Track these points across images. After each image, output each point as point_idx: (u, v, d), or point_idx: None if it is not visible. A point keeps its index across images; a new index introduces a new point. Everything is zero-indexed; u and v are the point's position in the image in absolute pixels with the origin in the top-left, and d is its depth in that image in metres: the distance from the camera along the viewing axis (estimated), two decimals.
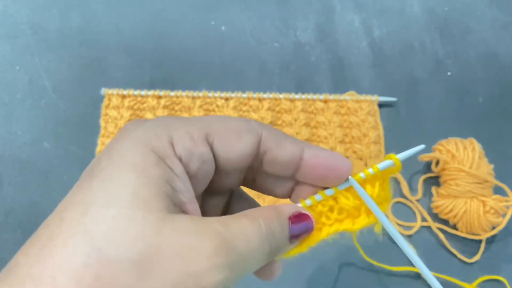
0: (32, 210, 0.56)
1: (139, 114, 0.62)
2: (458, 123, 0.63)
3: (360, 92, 0.64)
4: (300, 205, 0.27)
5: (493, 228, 0.54)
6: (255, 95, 0.63)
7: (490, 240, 0.56)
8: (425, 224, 0.57)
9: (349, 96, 0.63)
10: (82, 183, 0.22)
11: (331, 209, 0.27)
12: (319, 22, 0.71)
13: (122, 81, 0.64)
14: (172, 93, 0.62)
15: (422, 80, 0.67)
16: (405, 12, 0.73)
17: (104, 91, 0.62)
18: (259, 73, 0.67)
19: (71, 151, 0.60)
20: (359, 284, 0.53)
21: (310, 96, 0.63)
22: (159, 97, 0.62)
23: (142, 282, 0.19)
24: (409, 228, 0.56)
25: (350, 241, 0.54)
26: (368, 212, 0.28)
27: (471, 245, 0.56)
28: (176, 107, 0.62)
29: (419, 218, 0.57)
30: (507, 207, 0.54)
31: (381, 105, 0.64)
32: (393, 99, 0.64)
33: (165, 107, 0.61)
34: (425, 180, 0.59)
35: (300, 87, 0.66)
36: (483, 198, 0.53)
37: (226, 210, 0.31)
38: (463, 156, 0.55)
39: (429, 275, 0.27)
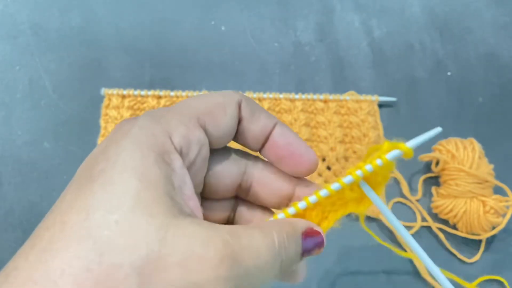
0: (32, 210, 0.56)
1: (139, 114, 0.61)
2: (458, 123, 0.63)
3: (360, 92, 0.64)
4: (304, 202, 0.26)
5: (493, 228, 0.54)
6: (255, 95, 0.62)
7: (490, 240, 0.56)
8: (425, 224, 0.57)
9: (349, 96, 0.63)
10: (82, 186, 0.21)
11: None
12: (319, 22, 0.71)
13: (122, 81, 0.64)
14: (172, 93, 0.62)
15: (422, 80, 0.67)
16: (405, 12, 0.72)
17: (104, 91, 0.61)
18: (259, 73, 0.67)
19: (71, 151, 0.59)
20: (359, 284, 0.53)
21: (310, 96, 0.63)
22: (159, 97, 0.62)
23: None
24: (409, 228, 0.56)
25: (351, 242, 0.54)
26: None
27: (471, 245, 0.56)
28: None
29: (419, 218, 0.57)
30: (507, 207, 0.54)
31: (381, 105, 0.64)
32: (393, 99, 0.64)
33: (165, 107, 0.61)
34: (425, 180, 0.59)
35: (300, 87, 0.65)
36: (483, 198, 0.53)
37: (233, 219, 0.30)
38: (463, 156, 0.55)
39: (432, 267, 0.27)
